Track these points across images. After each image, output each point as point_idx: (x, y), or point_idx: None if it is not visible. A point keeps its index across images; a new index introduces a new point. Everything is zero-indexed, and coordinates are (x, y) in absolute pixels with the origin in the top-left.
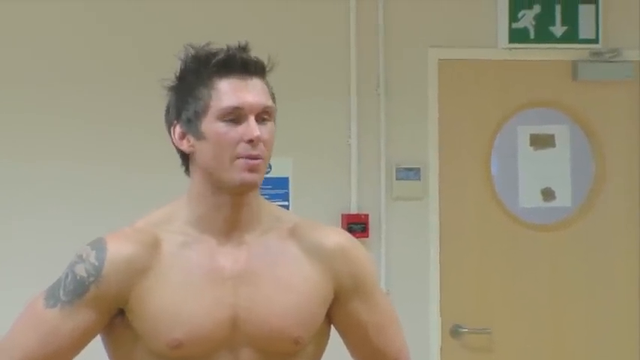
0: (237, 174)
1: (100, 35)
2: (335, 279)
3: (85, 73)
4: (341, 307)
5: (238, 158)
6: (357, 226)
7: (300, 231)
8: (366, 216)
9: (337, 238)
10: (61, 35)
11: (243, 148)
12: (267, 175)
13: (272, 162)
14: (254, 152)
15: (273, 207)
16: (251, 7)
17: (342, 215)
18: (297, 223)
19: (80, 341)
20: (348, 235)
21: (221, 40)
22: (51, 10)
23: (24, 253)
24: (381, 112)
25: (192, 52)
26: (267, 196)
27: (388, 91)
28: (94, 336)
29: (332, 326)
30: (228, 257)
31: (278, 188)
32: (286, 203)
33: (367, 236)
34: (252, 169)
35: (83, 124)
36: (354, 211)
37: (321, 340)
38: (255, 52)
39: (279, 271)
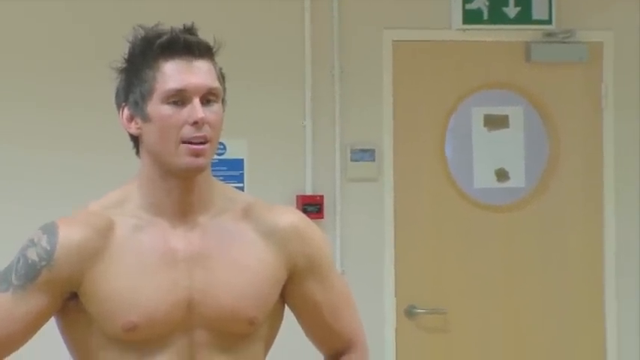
0: (182, 159)
1: (60, 21)
2: (289, 259)
3: (40, 58)
4: (295, 287)
5: (183, 142)
6: (312, 207)
7: (254, 211)
8: (321, 197)
9: (291, 218)
10: (17, 18)
11: (187, 131)
12: (222, 157)
13: (227, 143)
14: (199, 134)
15: (227, 188)
16: None
17: (297, 196)
18: (251, 204)
19: (33, 325)
20: (302, 215)
21: (174, 22)
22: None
23: None
24: (335, 93)
25: (140, 33)
26: (222, 177)
27: (343, 73)
28: (46, 320)
29: (286, 307)
30: (182, 239)
31: (233, 170)
32: (241, 185)
33: (322, 217)
34: (197, 154)
35: (37, 108)
36: (309, 192)
37: (275, 320)
38: (208, 34)
39: (232, 253)
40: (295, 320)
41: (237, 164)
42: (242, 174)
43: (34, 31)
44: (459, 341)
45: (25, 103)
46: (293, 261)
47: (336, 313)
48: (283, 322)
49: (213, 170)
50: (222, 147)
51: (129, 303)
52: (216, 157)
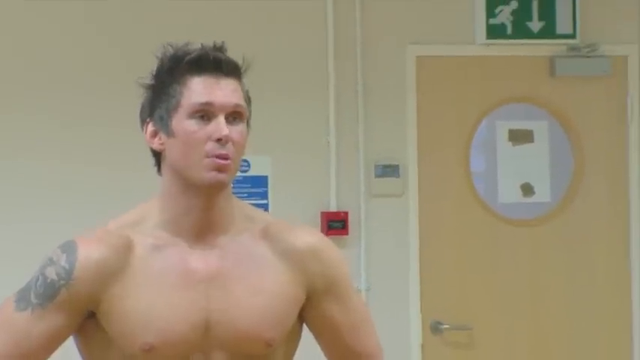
0: (205, 173)
1: (85, 37)
2: (307, 280)
3: (69, 74)
4: (313, 307)
5: (207, 157)
6: (336, 223)
7: (273, 232)
8: (346, 214)
9: (309, 238)
10: (47, 37)
11: (211, 147)
12: (246, 174)
13: (251, 160)
14: (222, 151)
15: (246, 206)
16: (229, 7)
17: (322, 213)
18: (270, 224)
19: (52, 344)
20: (321, 235)
21: (200, 40)
22: (41, 13)
23: (10, 255)
24: (359, 109)
25: (169, 50)
26: (246, 195)
27: (366, 89)
28: (65, 339)
29: (304, 326)
30: (200, 260)
31: (257, 187)
32: (265, 202)
33: (347, 234)
34: (220, 169)
35: (67, 125)
36: (333, 208)
37: (292, 340)
38: (233, 52)
39: (251, 274)
40: (313, 339)
41: (261, 181)
42: (266, 191)
43: (59, 47)
44: (484, 357)
45: (58, 121)
46: (311, 282)
47: (355, 332)
48: (301, 341)
49: (237, 187)
50: (246, 164)
51: (146, 324)
52: (240, 174)
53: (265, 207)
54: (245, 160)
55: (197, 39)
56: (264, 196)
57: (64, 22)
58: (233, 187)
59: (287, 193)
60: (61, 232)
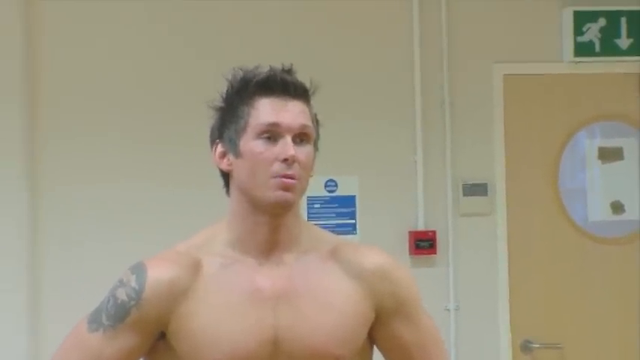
0: (272, 192)
1: (157, 65)
2: (376, 299)
3: (141, 100)
4: (382, 327)
5: (273, 177)
6: (424, 242)
7: (341, 252)
8: (434, 233)
9: (378, 258)
10: (125, 62)
11: (278, 167)
12: (334, 194)
13: (338, 180)
14: (289, 172)
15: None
16: (315, 26)
17: (409, 232)
18: (338, 244)
19: None
20: (389, 255)
21: (279, 58)
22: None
23: (93, 276)
24: (446, 128)
25: (239, 73)
26: (334, 215)
27: (453, 107)
28: (137, 359)
29: (374, 346)
30: (268, 278)
31: (345, 207)
32: (353, 221)
33: (435, 253)
34: (286, 188)
35: (149, 148)
36: (421, 228)
37: (363, 359)
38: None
39: (319, 291)
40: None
41: (349, 201)
42: (354, 211)
43: (124, 67)
44: None
45: (135, 143)
46: (380, 301)
47: (426, 352)
48: None
49: (325, 207)
50: (333, 184)
51: (214, 341)
52: (327, 194)
53: (353, 227)
54: (332, 180)
55: (277, 57)
56: (352, 216)
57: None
58: (320, 207)
59: (375, 213)
60: (141, 251)
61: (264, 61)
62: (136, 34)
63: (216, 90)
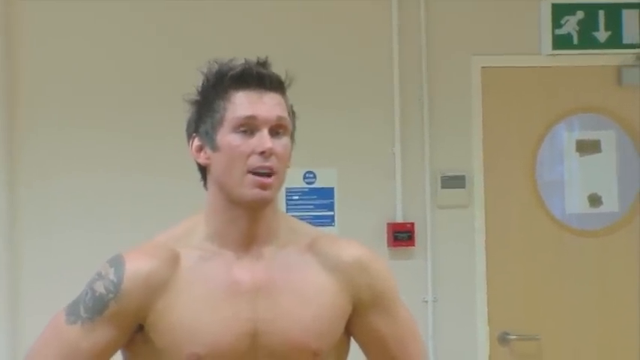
0: (249, 190)
1: (130, 55)
2: (353, 292)
3: (118, 91)
4: (361, 320)
5: (249, 172)
6: (402, 234)
7: (319, 245)
8: (412, 225)
9: (355, 251)
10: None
11: (254, 160)
12: (313, 186)
13: (317, 172)
14: (266, 164)
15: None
16: (293, 19)
17: (388, 224)
18: (316, 237)
19: (100, 357)
20: (367, 248)
21: (257, 51)
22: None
23: (72, 268)
24: (424, 120)
25: (214, 67)
26: (312, 207)
27: (431, 100)
28: (114, 352)
29: (352, 340)
30: (246, 271)
31: (323, 198)
32: (331, 213)
33: (413, 245)
34: (263, 186)
35: (126, 139)
36: (399, 220)
37: (341, 352)
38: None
39: (297, 284)
40: (361, 353)
41: (327, 193)
42: (332, 202)
43: (100, 59)
44: None
45: (117, 136)
46: (357, 294)
47: (403, 345)
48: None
49: (303, 199)
50: (312, 176)
51: (193, 334)
52: (306, 186)
53: (332, 218)
54: (311, 172)
55: (261, 52)
56: (331, 207)
57: (131, 40)
58: (299, 199)
59: (353, 205)
60: (121, 242)
61: (246, 57)
62: (112, 27)
63: (195, 82)
